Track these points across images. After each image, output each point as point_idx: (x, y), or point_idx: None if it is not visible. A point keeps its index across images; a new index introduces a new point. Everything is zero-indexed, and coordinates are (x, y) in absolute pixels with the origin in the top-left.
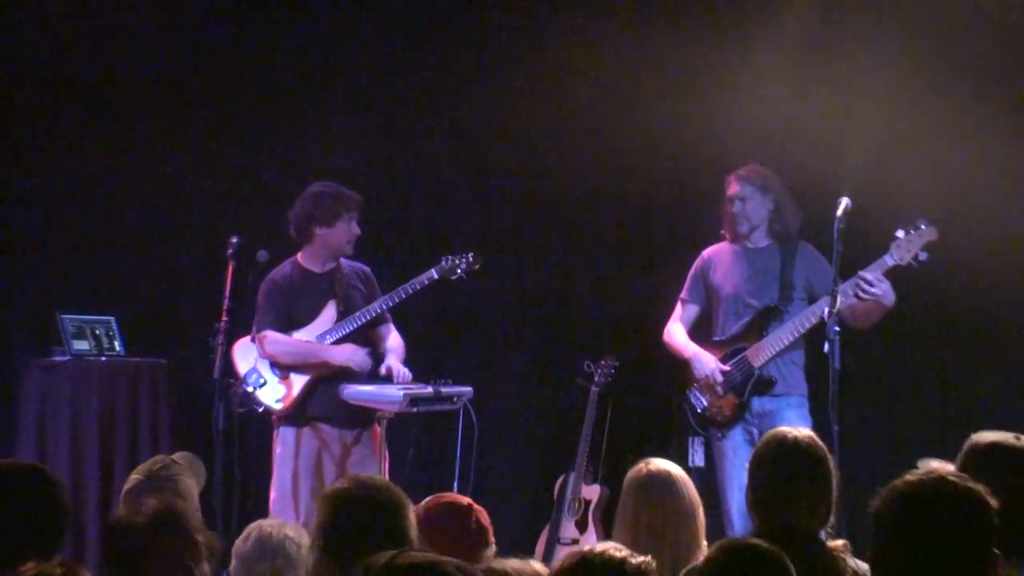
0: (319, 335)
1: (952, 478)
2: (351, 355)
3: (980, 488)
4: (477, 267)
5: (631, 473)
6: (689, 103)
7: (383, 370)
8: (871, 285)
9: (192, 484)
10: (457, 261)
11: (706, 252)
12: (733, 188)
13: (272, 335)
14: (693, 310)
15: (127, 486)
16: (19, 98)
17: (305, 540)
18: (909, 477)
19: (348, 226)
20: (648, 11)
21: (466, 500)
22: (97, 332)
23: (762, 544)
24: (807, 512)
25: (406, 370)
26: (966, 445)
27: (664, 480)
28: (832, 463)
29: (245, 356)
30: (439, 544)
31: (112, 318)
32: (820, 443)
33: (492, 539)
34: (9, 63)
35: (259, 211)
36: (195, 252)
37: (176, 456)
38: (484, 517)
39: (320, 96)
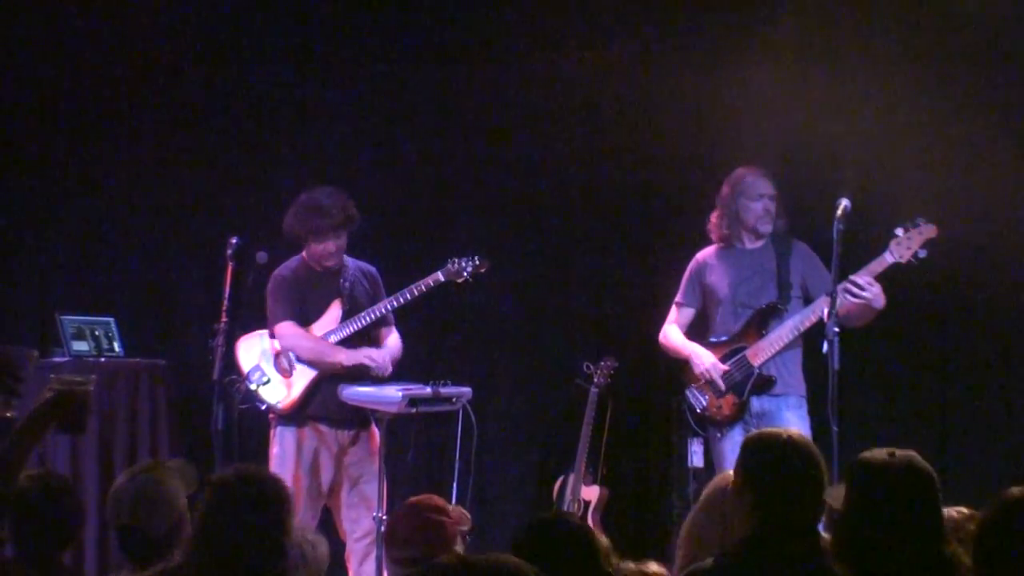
0: (324, 334)
1: None
2: (364, 356)
3: None
4: (483, 271)
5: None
6: (688, 105)
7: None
8: (862, 289)
9: (177, 488)
10: (463, 264)
11: (699, 255)
12: (766, 187)
13: (292, 327)
14: (688, 313)
15: (112, 488)
16: (19, 98)
17: (320, 541)
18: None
19: (322, 245)
20: (648, 14)
21: (424, 499)
22: (96, 333)
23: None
24: (800, 510)
25: (384, 361)
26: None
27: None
28: (821, 460)
29: (249, 352)
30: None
31: (111, 319)
32: (810, 441)
33: (454, 533)
34: (8, 63)
35: (259, 211)
36: (195, 252)
37: (170, 463)
38: (446, 513)
39: (321, 95)
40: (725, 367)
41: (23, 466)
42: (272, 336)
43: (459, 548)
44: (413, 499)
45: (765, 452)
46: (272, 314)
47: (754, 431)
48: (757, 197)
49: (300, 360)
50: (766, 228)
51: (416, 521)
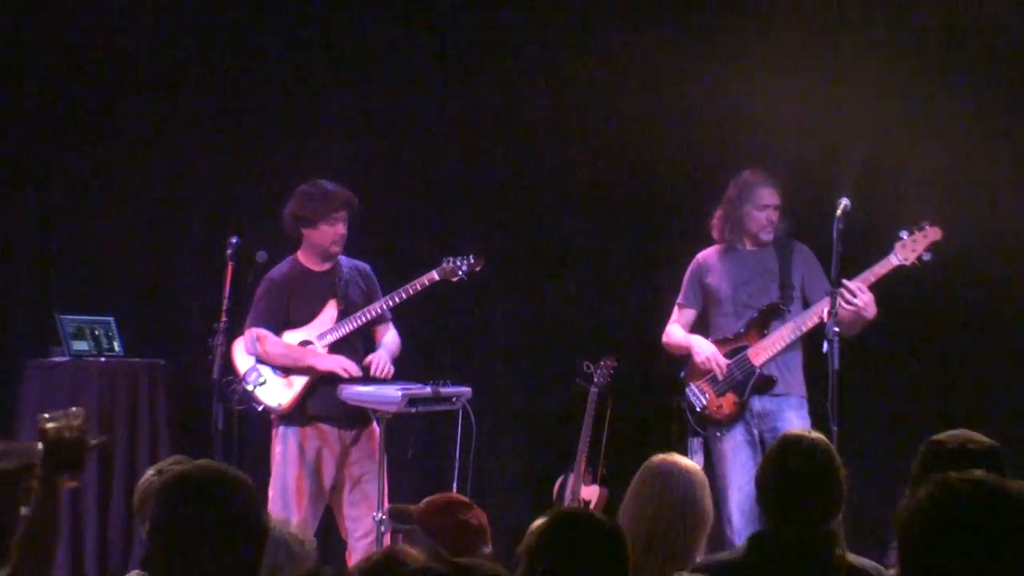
0: (319, 335)
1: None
2: (337, 364)
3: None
4: (478, 269)
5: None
6: (689, 104)
7: (365, 361)
8: (853, 295)
9: None
10: (458, 262)
11: (700, 256)
12: (775, 198)
13: (262, 334)
14: (690, 314)
15: (140, 483)
16: (19, 98)
17: (307, 537)
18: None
19: (332, 227)
20: (648, 15)
21: (466, 499)
22: (96, 332)
23: (597, 516)
24: (821, 512)
25: (387, 364)
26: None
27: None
28: (831, 460)
29: (246, 354)
30: (439, 540)
31: (111, 319)
32: (829, 443)
33: (489, 539)
34: (9, 62)
35: (259, 211)
36: (195, 252)
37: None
38: (482, 517)
39: (320, 95)
40: (726, 360)
41: (54, 539)
42: None
43: (487, 551)
44: (451, 496)
45: (770, 453)
46: (249, 318)
47: (781, 434)
48: (762, 207)
49: (272, 367)
50: (767, 237)
51: (452, 519)
